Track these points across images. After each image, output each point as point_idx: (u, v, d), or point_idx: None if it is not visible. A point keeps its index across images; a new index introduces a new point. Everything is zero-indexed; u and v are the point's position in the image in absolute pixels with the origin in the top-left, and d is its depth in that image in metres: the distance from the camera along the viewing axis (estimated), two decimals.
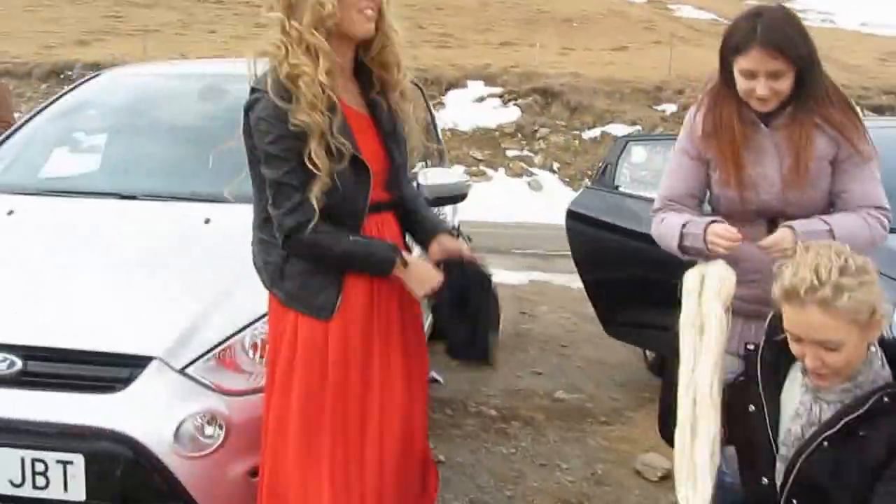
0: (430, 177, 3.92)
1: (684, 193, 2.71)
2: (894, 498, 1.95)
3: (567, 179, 19.26)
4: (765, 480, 2.14)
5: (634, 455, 4.44)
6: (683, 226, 2.58)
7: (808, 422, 2.09)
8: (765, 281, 2.42)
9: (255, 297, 2.68)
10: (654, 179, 5.84)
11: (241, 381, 2.80)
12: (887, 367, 2.08)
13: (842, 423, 2.00)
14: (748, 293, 2.54)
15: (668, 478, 4.14)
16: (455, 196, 4.01)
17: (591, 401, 5.33)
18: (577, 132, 20.31)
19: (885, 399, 1.98)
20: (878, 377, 2.05)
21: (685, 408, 2.17)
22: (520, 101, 20.84)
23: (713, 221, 2.51)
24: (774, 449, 2.11)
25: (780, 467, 2.09)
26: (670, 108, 21.46)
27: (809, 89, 2.52)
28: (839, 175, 2.60)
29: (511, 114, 20.58)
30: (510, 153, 19.75)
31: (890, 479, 1.96)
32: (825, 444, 2.01)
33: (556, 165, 19.94)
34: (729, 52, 2.55)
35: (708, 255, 2.49)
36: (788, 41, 2.47)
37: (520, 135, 20.28)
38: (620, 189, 5.71)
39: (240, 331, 2.84)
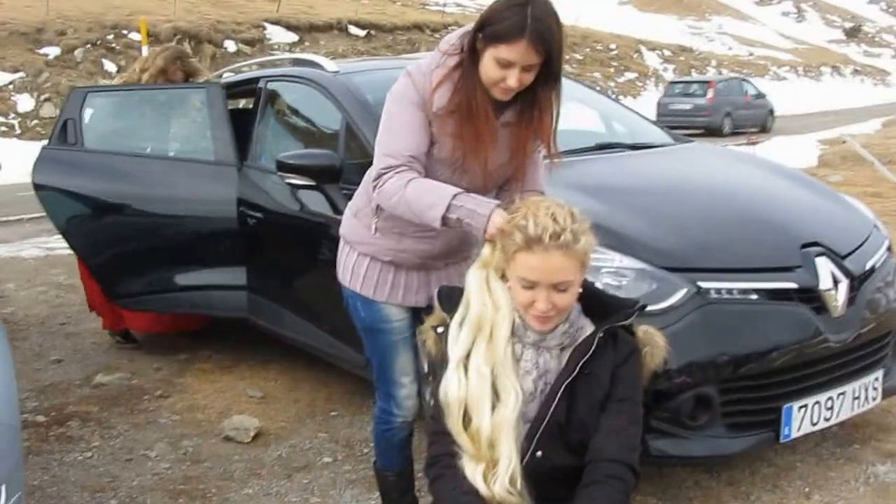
0: None
1: (423, 150, 2.47)
2: (619, 414, 2.13)
3: None
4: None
5: (212, 421, 4.25)
6: (454, 197, 2.33)
7: (538, 374, 2.17)
8: (437, 237, 2.50)
9: None
10: (124, 132, 5.43)
11: None
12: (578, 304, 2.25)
13: (579, 366, 2.12)
14: (420, 248, 2.58)
15: (260, 435, 4.06)
16: None
17: (136, 377, 4.96)
18: None
19: (601, 335, 2.14)
20: (579, 314, 2.21)
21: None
22: None
23: (497, 205, 2.30)
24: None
25: (511, 409, 2.13)
26: (53, 51, 20.35)
27: (544, 85, 2.42)
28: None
29: None
30: None
31: (616, 402, 2.14)
32: (565, 389, 2.11)
33: None
34: (489, 38, 2.33)
35: (464, 227, 2.34)
36: (552, 36, 2.32)
37: None
38: (88, 147, 5.12)
39: None
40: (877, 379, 3.39)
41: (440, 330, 2.26)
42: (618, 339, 2.19)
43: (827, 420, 3.23)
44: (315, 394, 4.59)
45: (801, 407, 3.15)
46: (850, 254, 3.41)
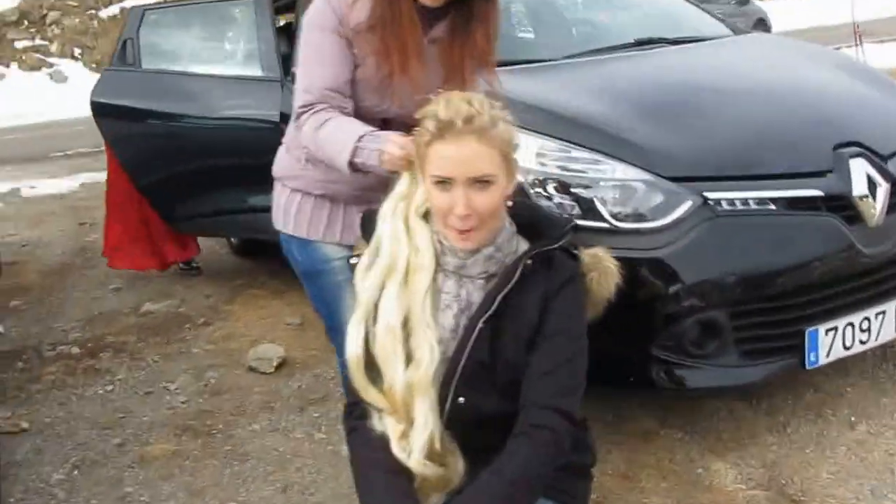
0: None
1: (343, 80, 2.23)
2: (549, 352, 1.84)
3: (94, 65, 17.86)
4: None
5: (244, 351, 4.16)
6: (360, 139, 2.09)
7: (459, 309, 1.90)
8: None
9: None
10: (181, 51, 5.33)
11: None
12: (514, 224, 1.96)
13: (497, 301, 1.84)
14: (353, 178, 2.27)
15: (283, 365, 3.95)
16: None
17: (184, 304, 4.94)
18: (92, 11, 18.71)
19: (529, 262, 1.85)
20: (511, 237, 1.93)
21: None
22: None
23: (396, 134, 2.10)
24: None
25: (425, 370, 1.88)
26: None
27: None
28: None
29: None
30: (19, 44, 17.77)
31: (547, 338, 1.85)
32: (482, 325, 1.85)
33: (77, 51, 18.41)
34: None
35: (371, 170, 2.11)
36: None
37: (26, 22, 18.28)
38: (146, 67, 5.10)
39: None
40: None
41: (353, 261, 2.02)
42: (553, 265, 1.90)
43: (863, 343, 2.83)
44: None
45: (829, 330, 2.77)
46: (895, 154, 2.95)
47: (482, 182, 1.79)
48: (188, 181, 4.86)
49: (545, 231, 1.94)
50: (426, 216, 1.92)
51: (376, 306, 1.89)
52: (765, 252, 2.71)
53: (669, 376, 2.73)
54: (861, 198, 2.78)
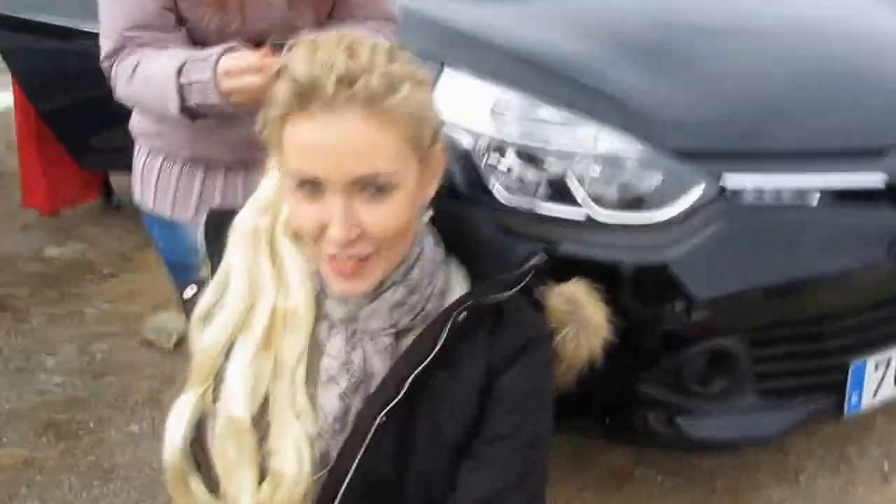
0: None
1: (153, 10, 1.58)
2: (492, 464, 1.12)
3: None
4: None
5: (141, 316, 3.44)
6: (180, 72, 1.48)
7: (351, 384, 1.15)
8: (244, 118, 1.41)
9: None
10: None
11: None
12: (441, 245, 1.21)
13: (407, 385, 1.10)
14: (227, 135, 1.66)
15: (184, 342, 3.23)
16: None
17: (93, 249, 4.19)
18: None
19: (460, 319, 1.11)
20: (434, 269, 1.17)
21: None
22: None
23: (222, 54, 1.47)
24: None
25: (289, 490, 1.15)
26: None
27: None
28: None
29: None
30: None
31: (489, 441, 1.12)
32: (385, 419, 1.11)
33: None
34: None
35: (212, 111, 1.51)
36: None
37: None
38: None
39: None
40: None
41: (187, 294, 1.28)
42: (504, 319, 1.15)
43: None
44: None
45: (880, 364, 2.06)
46: None
47: (376, 186, 1.04)
48: (96, 110, 4.02)
49: (490, 263, 1.19)
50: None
51: (219, 377, 1.16)
52: (799, 259, 1.97)
53: (660, 423, 2.02)
54: None
